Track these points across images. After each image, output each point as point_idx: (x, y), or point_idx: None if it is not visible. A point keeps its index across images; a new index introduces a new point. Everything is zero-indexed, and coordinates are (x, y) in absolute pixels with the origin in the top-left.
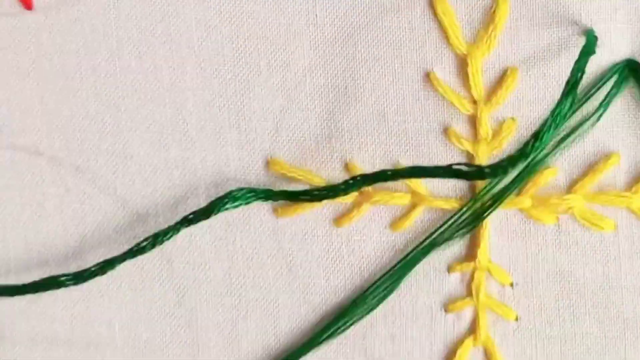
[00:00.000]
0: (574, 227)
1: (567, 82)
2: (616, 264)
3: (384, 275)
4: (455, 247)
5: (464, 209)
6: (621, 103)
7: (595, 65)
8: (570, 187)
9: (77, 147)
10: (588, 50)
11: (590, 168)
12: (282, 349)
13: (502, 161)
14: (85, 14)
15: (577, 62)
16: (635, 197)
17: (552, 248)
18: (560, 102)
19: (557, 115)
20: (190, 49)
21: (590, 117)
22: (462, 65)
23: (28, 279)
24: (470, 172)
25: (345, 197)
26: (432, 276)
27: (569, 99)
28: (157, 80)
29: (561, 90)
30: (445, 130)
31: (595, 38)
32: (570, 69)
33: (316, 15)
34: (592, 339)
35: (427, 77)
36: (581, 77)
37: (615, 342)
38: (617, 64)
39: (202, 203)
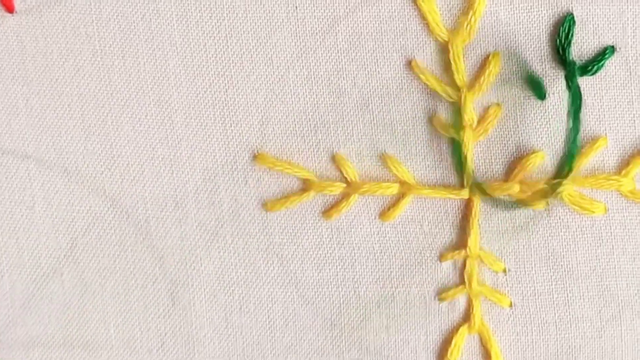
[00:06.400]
0: (564, 211)
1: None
2: (608, 247)
3: None
4: (446, 236)
5: None
6: (606, 87)
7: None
8: None
9: (64, 148)
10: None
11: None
12: (277, 343)
13: None
14: (67, 15)
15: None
16: (625, 180)
17: (543, 233)
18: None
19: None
20: (172, 46)
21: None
22: (443, 52)
23: (20, 281)
24: None
25: (333, 188)
26: (424, 265)
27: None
28: (140, 79)
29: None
30: (431, 118)
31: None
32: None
33: (296, 7)
34: (587, 322)
35: (410, 65)
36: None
37: (610, 325)
38: None
39: (191, 200)
